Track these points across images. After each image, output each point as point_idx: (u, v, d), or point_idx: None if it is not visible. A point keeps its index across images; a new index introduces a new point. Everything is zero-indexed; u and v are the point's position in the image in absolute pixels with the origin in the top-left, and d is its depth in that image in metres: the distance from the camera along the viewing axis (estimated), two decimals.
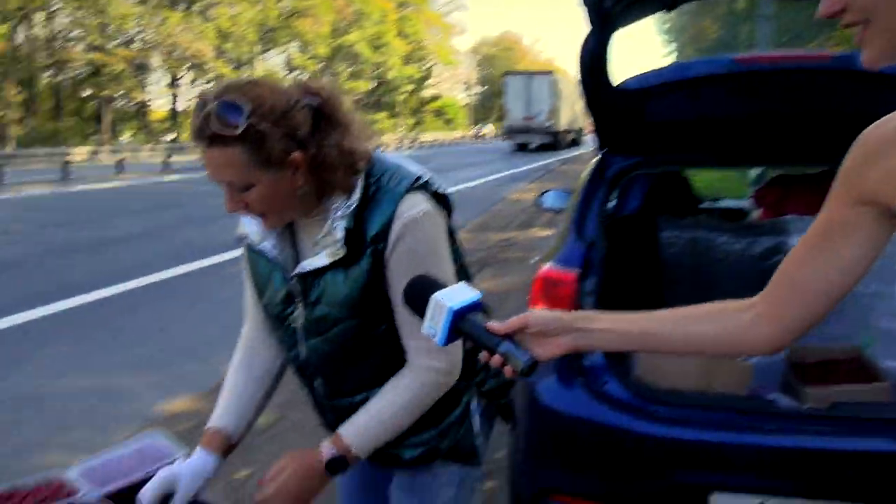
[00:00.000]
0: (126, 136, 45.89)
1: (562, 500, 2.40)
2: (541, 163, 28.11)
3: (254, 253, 1.55)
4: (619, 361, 2.47)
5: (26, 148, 34.02)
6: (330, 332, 1.47)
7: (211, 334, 5.58)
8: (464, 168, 25.48)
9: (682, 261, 3.55)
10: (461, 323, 1.12)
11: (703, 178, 6.93)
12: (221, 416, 1.59)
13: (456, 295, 1.13)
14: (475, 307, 1.14)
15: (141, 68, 42.26)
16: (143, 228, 11.05)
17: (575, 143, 35.49)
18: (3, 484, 1.55)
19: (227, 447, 1.58)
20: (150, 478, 1.53)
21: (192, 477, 1.51)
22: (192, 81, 45.94)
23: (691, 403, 2.32)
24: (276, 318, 1.53)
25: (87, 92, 44.35)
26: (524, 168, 25.87)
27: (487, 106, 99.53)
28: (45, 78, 42.08)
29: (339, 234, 1.40)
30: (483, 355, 1.13)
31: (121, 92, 42.25)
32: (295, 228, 1.52)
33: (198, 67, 43.30)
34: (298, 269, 1.46)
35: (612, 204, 3.50)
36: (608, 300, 2.51)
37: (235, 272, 1.90)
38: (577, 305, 2.47)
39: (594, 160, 3.05)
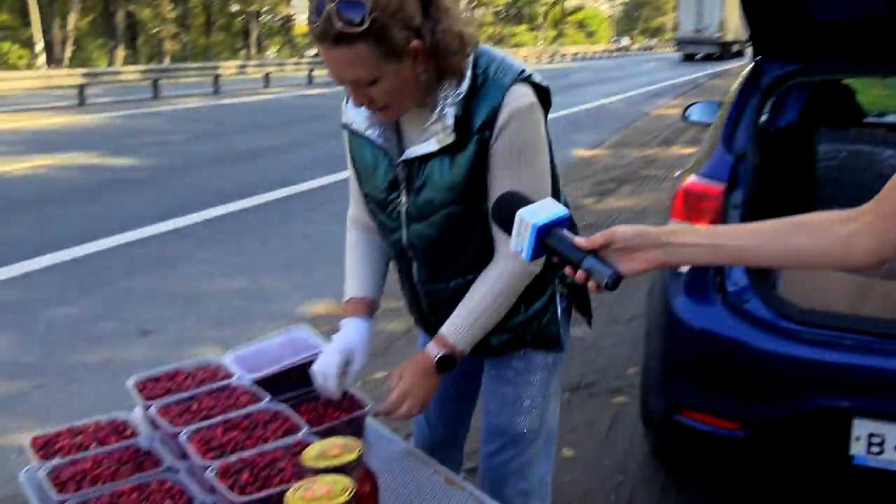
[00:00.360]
0: (272, 51, 47.18)
1: (694, 416, 2.37)
2: (686, 77, 26.83)
3: (358, 140, 1.59)
4: (762, 278, 2.38)
5: (180, 62, 35.73)
6: (433, 217, 1.52)
7: None
8: (602, 83, 24.70)
9: (841, 176, 3.33)
10: (547, 238, 1.13)
11: (868, 93, 6.41)
12: (360, 286, 1.69)
13: (541, 210, 1.14)
14: (561, 222, 1.14)
15: None
16: (290, 140, 11.44)
17: (739, 54, 37.15)
18: (167, 365, 1.70)
19: (372, 313, 1.68)
20: (298, 366, 1.63)
21: (363, 344, 1.61)
22: None
23: (837, 325, 2.21)
24: (380, 204, 1.59)
25: (236, 7, 45.71)
26: (668, 83, 24.77)
27: (632, 17, 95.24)
28: None
29: (449, 120, 1.43)
30: (568, 270, 1.14)
31: (266, 7, 43.24)
32: (399, 120, 1.55)
33: None
34: (406, 155, 1.50)
35: (765, 115, 3.31)
36: (756, 216, 2.38)
37: None
38: (723, 220, 2.38)
39: (748, 67, 2.87)
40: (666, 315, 2.44)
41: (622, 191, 7.78)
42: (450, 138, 1.44)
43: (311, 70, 26.14)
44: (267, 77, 24.55)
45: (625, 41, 69.74)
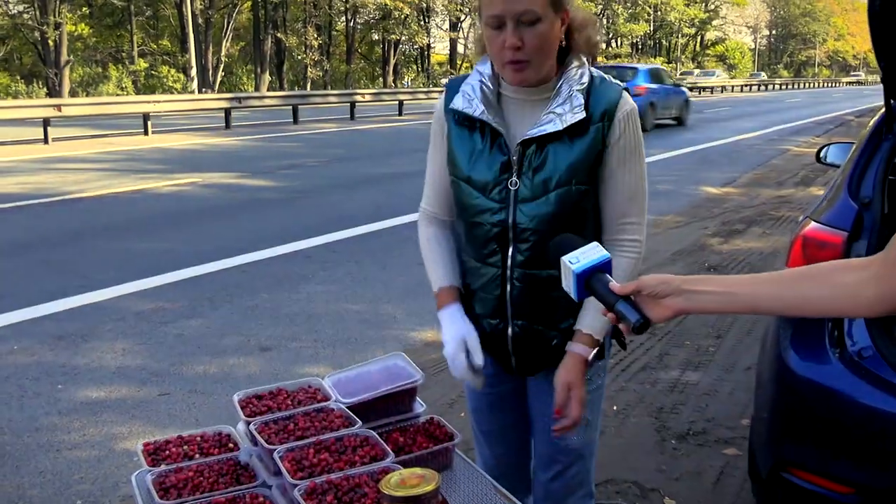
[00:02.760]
0: (407, 79, 48.46)
1: (803, 475, 2.27)
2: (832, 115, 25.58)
3: (461, 129, 1.68)
4: (884, 334, 2.25)
5: (322, 89, 37.25)
6: (549, 195, 1.61)
7: None
8: (740, 118, 23.90)
9: None
10: (591, 280, 1.24)
11: None
12: (448, 276, 1.78)
13: (584, 255, 1.25)
14: (604, 266, 1.25)
15: (424, 12, 44.16)
16: (418, 167, 11.65)
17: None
18: (273, 384, 1.79)
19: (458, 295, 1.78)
20: (392, 393, 1.69)
21: (470, 329, 1.71)
22: (471, 25, 47.07)
23: None
24: (484, 187, 1.65)
25: (376, 36, 47.32)
26: (811, 120, 23.70)
27: (779, 50, 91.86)
28: (340, 23, 45.51)
29: (579, 101, 1.58)
30: (602, 310, 1.25)
31: (405, 36, 44.53)
32: (504, 110, 1.66)
33: (476, 11, 44.17)
34: (531, 133, 1.60)
35: None
36: None
37: None
38: None
39: (881, 111, 2.75)
40: (778, 366, 2.35)
41: (751, 232, 7.50)
42: (578, 116, 1.57)
43: None
44: (400, 104, 25.24)
45: (763, 76, 67.25)
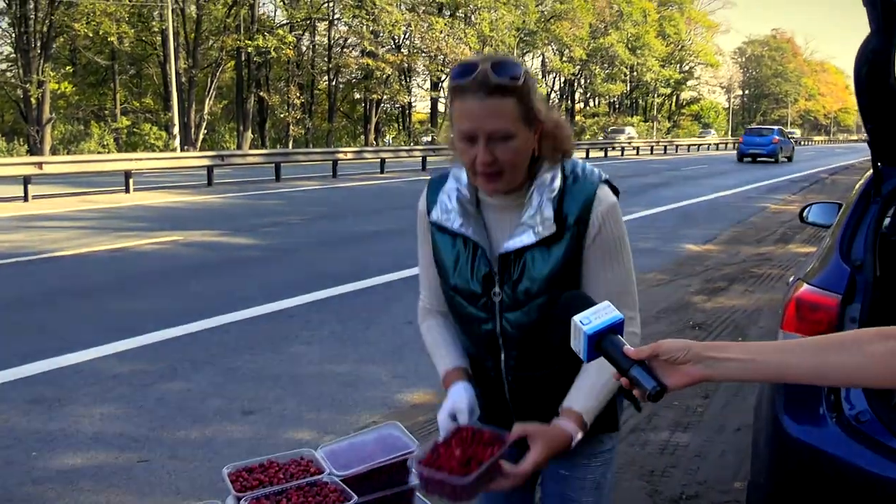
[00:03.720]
0: (389, 137, 48.95)
1: None
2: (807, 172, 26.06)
3: (444, 238, 1.68)
4: (881, 397, 2.23)
5: (304, 146, 37.52)
6: (530, 305, 1.59)
7: None
8: (716, 176, 24.28)
9: None
10: (602, 342, 1.21)
11: None
12: (454, 358, 1.73)
13: (596, 315, 1.21)
14: (616, 327, 1.21)
15: (405, 72, 44.84)
16: (400, 225, 11.70)
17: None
18: (262, 456, 1.73)
19: (470, 380, 1.71)
20: (388, 465, 1.64)
21: (470, 399, 1.64)
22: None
23: None
24: (471, 297, 1.65)
25: (358, 95, 47.90)
26: (785, 178, 24.11)
27: (752, 109, 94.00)
28: (322, 82, 46.07)
29: (549, 212, 1.55)
30: (614, 374, 1.20)
31: (387, 95, 45.10)
32: (484, 216, 1.65)
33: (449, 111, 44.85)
34: (506, 248, 1.59)
35: (886, 222, 3.18)
36: None
37: None
38: None
39: (868, 173, 2.78)
40: (774, 430, 2.33)
41: (734, 289, 7.53)
42: (549, 230, 1.55)
43: (425, 157, 26.91)
44: (383, 162, 25.43)
45: (714, 133, 68.63)
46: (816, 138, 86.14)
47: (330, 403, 4.50)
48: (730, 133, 76.01)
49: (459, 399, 1.62)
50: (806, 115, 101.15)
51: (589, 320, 1.21)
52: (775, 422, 2.33)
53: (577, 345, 1.23)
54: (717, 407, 4.43)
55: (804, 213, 4.15)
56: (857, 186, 2.84)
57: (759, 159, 33.50)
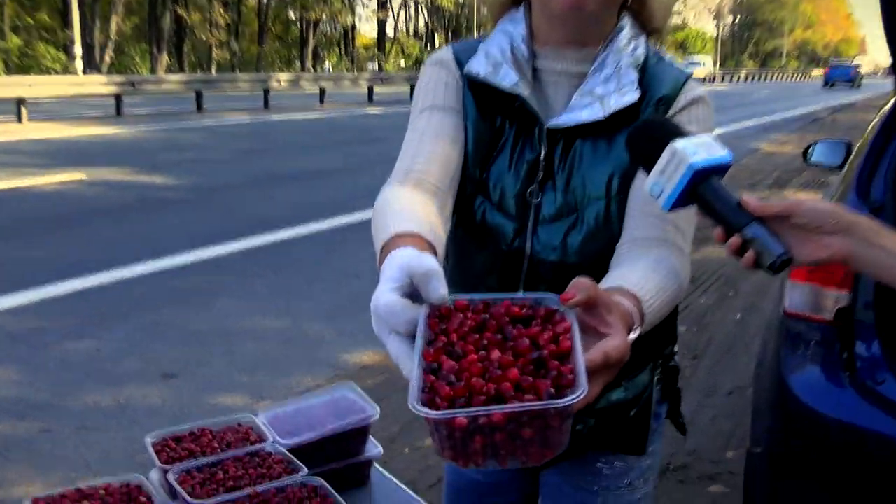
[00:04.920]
0: (328, 64, 48.24)
1: None
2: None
3: (479, 99, 1.39)
4: None
5: (228, 72, 36.78)
6: (580, 216, 1.35)
7: None
8: None
9: None
10: (702, 186, 1.02)
11: None
12: (417, 224, 1.14)
13: (702, 149, 1.02)
14: (721, 169, 1.03)
15: None
16: (344, 164, 11.61)
17: (858, 85, 53.51)
18: (192, 423, 1.67)
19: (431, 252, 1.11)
20: (341, 433, 1.59)
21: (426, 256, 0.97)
22: (402, 4, 47.21)
23: None
24: (502, 194, 1.38)
25: (292, 14, 46.98)
26: (779, 116, 24.41)
27: (743, 39, 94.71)
28: None
29: (630, 77, 1.31)
30: (718, 232, 1.03)
31: (326, 15, 44.31)
32: (539, 83, 1.39)
33: None
34: (561, 122, 1.33)
35: None
36: None
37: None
38: (855, 284, 2.28)
39: (889, 103, 2.77)
40: (779, 392, 2.34)
41: None
42: (628, 98, 1.29)
43: (372, 87, 26.59)
44: (322, 92, 25.07)
45: (702, 63, 69.01)
46: (815, 73, 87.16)
47: (266, 365, 4.46)
48: (717, 66, 76.48)
49: (415, 258, 0.95)
50: (803, 46, 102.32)
51: (696, 150, 1.01)
52: (780, 383, 2.33)
53: (664, 183, 1.03)
54: (707, 367, 4.49)
55: (808, 153, 4.16)
56: (874, 122, 2.84)
57: (840, 83, 53.33)
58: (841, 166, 3.53)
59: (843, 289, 2.30)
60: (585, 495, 1.54)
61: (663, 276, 1.18)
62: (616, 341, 0.91)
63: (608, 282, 1.14)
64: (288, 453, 1.54)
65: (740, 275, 6.34)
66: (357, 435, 1.64)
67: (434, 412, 0.81)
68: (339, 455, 1.61)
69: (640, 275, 1.15)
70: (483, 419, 0.81)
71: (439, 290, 0.92)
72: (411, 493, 1.64)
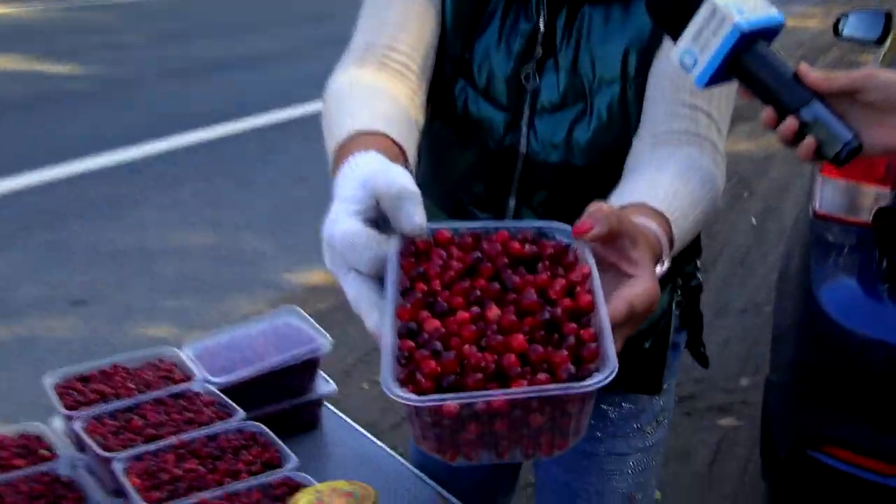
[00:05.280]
0: None
1: (840, 454, 2.31)
2: None
3: None
4: None
5: None
6: (589, 105, 1.29)
7: None
8: None
9: None
10: (747, 55, 0.97)
11: None
12: (377, 121, 1.11)
13: (747, 5, 0.97)
14: (771, 33, 0.98)
15: None
16: (283, 47, 11.42)
17: None
18: (106, 358, 1.65)
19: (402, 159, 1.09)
20: (284, 368, 1.58)
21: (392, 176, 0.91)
22: None
23: None
24: (491, 75, 1.33)
25: None
26: None
27: None
28: None
29: None
30: (767, 114, 0.99)
31: None
32: None
33: None
34: None
35: None
36: None
37: None
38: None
39: None
40: (807, 309, 2.37)
41: (738, 131, 7.61)
42: None
43: None
44: None
45: None
46: None
47: (195, 287, 4.48)
48: None
49: (382, 172, 0.90)
50: None
51: (739, 6, 0.95)
52: (807, 298, 2.36)
53: (697, 52, 0.98)
54: (718, 282, 4.54)
55: (839, 26, 4.16)
56: None
57: None
58: (880, 40, 3.52)
59: (884, 185, 2.30)
60: (586, 444, 1.52)
61: (697, 186, 1.15)
62: (643, 285, 0.88)
63: (626, 194, 1.10)
64: (220, 394, 1.55)
65: (756, 172, 6.37)
66: (304, 369, 1.65)
67: (418, 398, 0.75)
68: (282, 394, 1.62)
69: (668, 185, 1.11)
70: (481, 405, 0.75)
71: (414, 217, 0.87)
72: (371, 436, 1.65)
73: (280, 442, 1.41)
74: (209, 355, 1.66)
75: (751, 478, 2.99)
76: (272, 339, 1.68)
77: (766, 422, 2.63)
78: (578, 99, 1.29)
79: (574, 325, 0.81)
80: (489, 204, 1.39)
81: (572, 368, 0.77)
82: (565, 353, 0.78)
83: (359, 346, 3.66)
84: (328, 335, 1.65)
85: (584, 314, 0.82)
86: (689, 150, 1.21)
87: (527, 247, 0.90)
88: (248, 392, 1.56)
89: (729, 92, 1.27)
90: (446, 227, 0.92)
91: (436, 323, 0.81)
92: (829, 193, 2.39)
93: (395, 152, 1.05)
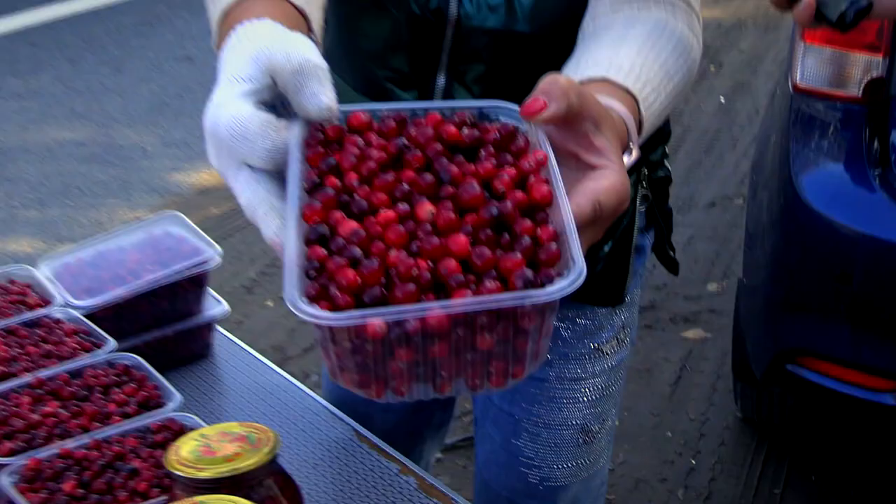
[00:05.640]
0: None
1: (820, 367, 2.36)
2: None
3: None
4: None
5: None
6: None
7: None
8: None
9: None
10: None
11: None
12: None
13: None
14: None
15: None
16: None
17: None
18: None
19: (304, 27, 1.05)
20: (164, 287, 1.56)
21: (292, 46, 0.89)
22: None
23: None
24: None
25: None
26: None
27: None
28: None
29: None
30: None
31: None
32: None
33: None
34: None
35: None
36: None
37: None
38: (891, 47, 2.29)
39: None
40: (785, 202, 2.38)
41: None
42: None
43: None
44: None
45: None
46: None
47: (61, 191, 4.45)
48: None
49: (278, 41, 0.88)
50: None
51: None
52: (785, 187, 2.37)
53: None
54: (682, 172, 4.56)
55: None
56: None
57: None
58: None
59: (876, 52, 2.30)
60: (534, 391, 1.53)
61: (669, 55, 1.14)
62: (610, 178, 0.86)
63: (582, 66, 1.09)
64: (86, 320, 1.53)
65: (724, 43, 6.37)
66: (189, 288, 1.64)
67: (333, 315, 0.71)
68: (162, 319, 1.62)
69: (634, 55, 1.08)
70: (413, 323, 0.71)
71: (320, 97, 0.84)
72: (273, 365, 1.63)
73: (160, 377, 1.39)
74: (71, 274, 1.63)
75: (722, 397, 3.04)
76: (149, 253, 1.65)
77: (737, 333, 2.67)
78: None
79: (529, 223, 0.78)
80: (413, 81, 1.37)
81: (529, 274, 0.74)
82: (519, 256, 0.75)
83: (261, 257, 3.65)
84: (218, 246, 1.62)
85: (541, 209, 0.80)
86: (658, 11, 1.19)
87: (465, 131, 0.87)
88: (120, 317, 1.55)
89: None
90: (363, 109, 0.88)
91: (353, 224, 0.78)
92: (811, 63, 2.37)
93: (296, 19, 1.01)
